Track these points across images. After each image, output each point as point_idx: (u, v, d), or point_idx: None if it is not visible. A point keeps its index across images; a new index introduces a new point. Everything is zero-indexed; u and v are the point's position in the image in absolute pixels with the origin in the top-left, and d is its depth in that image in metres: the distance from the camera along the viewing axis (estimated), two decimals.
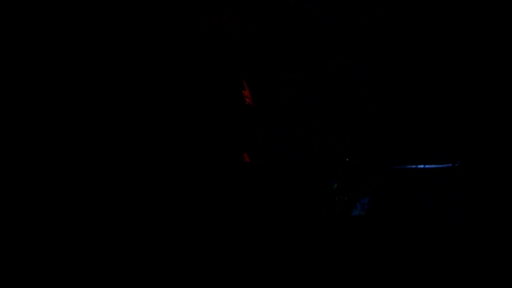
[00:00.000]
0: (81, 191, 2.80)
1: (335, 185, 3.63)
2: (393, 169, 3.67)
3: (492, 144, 3.60)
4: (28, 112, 2.75)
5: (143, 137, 3.12)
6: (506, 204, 3.06)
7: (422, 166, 3.60)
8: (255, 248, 2.45)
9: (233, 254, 2.31)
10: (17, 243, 2.41)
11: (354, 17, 4.07)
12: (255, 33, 4.09)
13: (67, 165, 2.83)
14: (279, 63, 4.18)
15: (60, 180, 2.78)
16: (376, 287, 1.98)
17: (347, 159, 3.51)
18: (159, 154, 3.10)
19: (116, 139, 3.02)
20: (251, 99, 2.24)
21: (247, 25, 4.05)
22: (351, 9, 4.05)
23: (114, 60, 3.15)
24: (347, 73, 4.21)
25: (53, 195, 2.72)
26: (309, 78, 4.23)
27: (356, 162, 3.86)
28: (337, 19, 4.06)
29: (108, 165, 2.95)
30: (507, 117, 3.62)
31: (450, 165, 3.44)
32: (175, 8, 3.52)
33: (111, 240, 2.55)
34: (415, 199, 3.40)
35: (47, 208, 2.66)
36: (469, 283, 1.99)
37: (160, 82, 3.31)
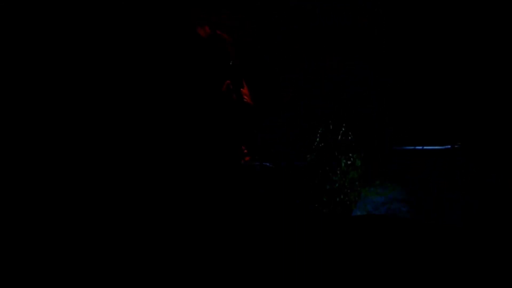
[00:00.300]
0: (81, 190, 2.80)
1: (336, 185, 3.63)
2: (392, 150, 3.65)
3: (492, 144, 3.61)
4: (28, 112, 2.75)
5: (143, 136, 3.12)
6: (506, 204, 3.06)
7: (420, 147, 3.59)
8: (255, 247, 2.45)
9: (233, 254, 2.31)
10: (17, 242, 2.41)
11: (354, 17, 4.07)
12: (255, 33, 4.09)
13: (67, 165, 2.83)
14: (279, 63, 4.18)
15: (60, 180, 2.78)
16: (376, 287, 1.98)
17: (345, 161, 3.51)
18: (160, 154, 3.10)
19: (118, 137, 3.02)
20: (249, 97, 2.24)
21: (247, 25, 4.05)
22: (351, 9, 4.05)
23: (115, 60, 3.15)
24: (347, 73, 4.20)
25: (53, 195, 2.72)
26: (309, 78, 4.23)
27: (356, 161, 3.86)
28: (337, 19, 4.06)
29: (108, 164, 2.95)
30: (506, 118, 3.62)
31: (450, 146, 3.43)
32: (175, 8, 3.53)
33: (111, 240, 2.54)
34: (415, 199, 3.40)
35: (47, 208, 2.66)
36: (469, 283, 1.99)
37: (160, 82, 3.31)
